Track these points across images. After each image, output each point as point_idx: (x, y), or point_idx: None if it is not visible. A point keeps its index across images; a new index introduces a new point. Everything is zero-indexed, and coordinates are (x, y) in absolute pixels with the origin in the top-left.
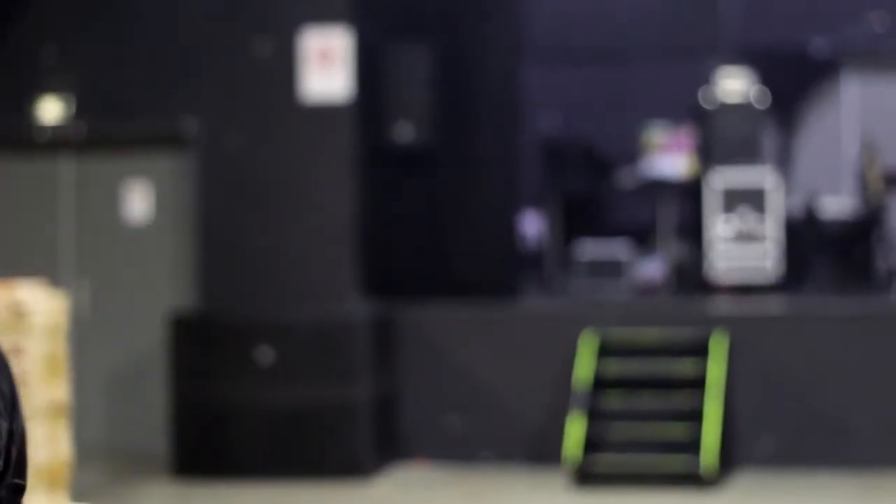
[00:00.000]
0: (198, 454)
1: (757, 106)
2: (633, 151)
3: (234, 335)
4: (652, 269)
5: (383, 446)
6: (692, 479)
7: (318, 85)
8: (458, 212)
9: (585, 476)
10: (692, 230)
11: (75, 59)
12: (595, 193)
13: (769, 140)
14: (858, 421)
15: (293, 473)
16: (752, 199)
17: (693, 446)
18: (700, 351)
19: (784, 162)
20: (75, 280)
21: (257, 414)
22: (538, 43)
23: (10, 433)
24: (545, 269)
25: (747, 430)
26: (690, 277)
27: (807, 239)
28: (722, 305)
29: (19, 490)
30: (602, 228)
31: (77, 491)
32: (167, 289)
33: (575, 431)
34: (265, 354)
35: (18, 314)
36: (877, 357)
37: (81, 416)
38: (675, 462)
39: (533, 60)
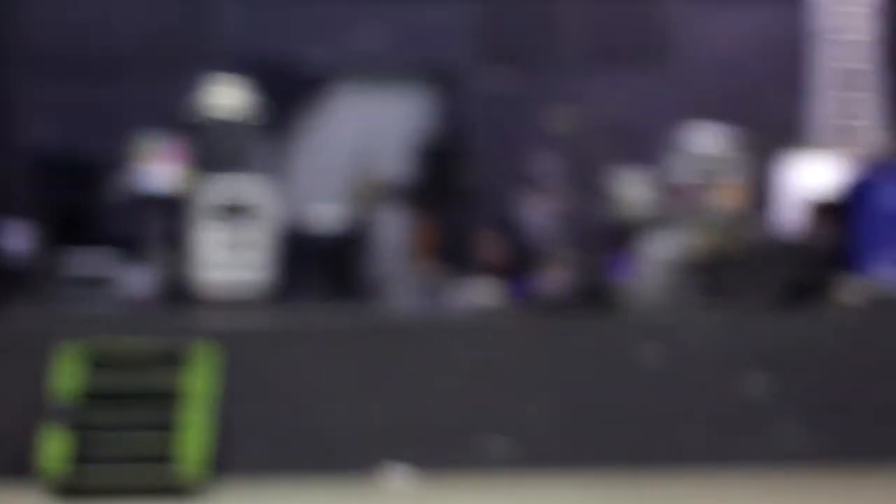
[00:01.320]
0: None
1: (250, 117)
2: (124, 163)
3: None
4: (140, 281)
5: None
6: (174, 489)
7: None
8: None
9: (68, 489)
10: (182, 242)
11: None
12: (84, 205)
13: (262, 151)
14: (343, 429)
15: None
16: (243, 210)
17: (177, 457)
18: (185, 362)
19: (277, 173)
20: None
21: None
22: (29, 52)
23: None
24: (32, 282)
25: (237, 440)
26: (179, 289)
27: (298, 250)
28: (210, 317)
29: None
30: (91, 240)
31: None
32: None
33: (55, 444)
34: None
35: None
36: (362, 367)
37: None
38: (159, 472)
39: (24, 69)
